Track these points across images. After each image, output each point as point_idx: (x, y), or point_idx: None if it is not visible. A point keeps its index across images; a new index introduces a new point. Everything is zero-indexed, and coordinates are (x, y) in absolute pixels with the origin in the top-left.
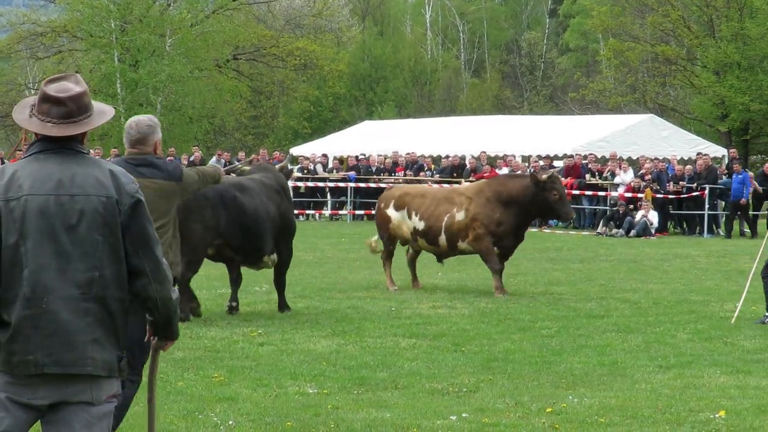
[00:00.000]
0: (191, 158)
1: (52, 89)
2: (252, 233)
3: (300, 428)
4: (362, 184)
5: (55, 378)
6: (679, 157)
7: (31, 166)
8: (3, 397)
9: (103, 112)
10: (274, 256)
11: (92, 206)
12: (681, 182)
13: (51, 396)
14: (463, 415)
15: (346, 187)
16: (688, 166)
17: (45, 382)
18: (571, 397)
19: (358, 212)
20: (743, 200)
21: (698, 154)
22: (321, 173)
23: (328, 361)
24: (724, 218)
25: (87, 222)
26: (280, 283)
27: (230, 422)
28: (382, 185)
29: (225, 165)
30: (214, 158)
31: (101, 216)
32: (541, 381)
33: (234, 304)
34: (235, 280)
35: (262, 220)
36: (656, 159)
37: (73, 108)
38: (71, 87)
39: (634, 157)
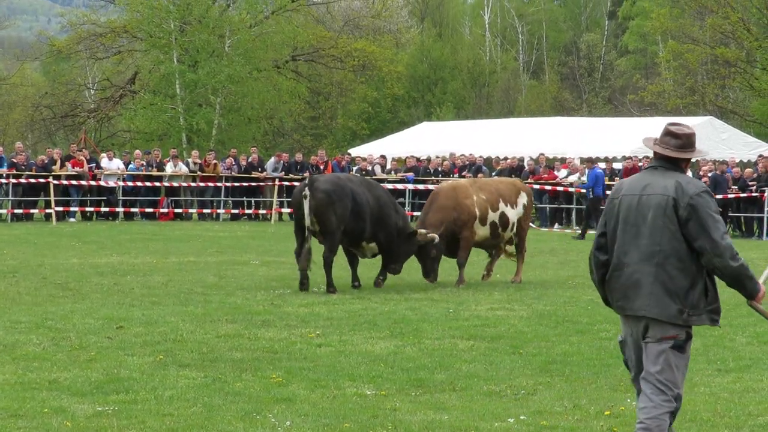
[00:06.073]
0: (249, 159)
1: (673, 128)
2: (358, 217)
3: (358, 430)
4: (421, 186)
5: (630, 318)
6: (738, 160)
7: (635, 177)
8: (624, 333)
9: (700, 151)
10: (373, 245)
11: (657, 202)
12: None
13: (627, 332)
14: (521, 417)
15: (405, 189)
16: (748, 169)
17: (626, 321)
18: (629, 400)
19: (416, 213)
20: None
21: (760, 156)
22: (379, 174)
23: (386, 363)
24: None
25: (654, 213)
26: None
27: (288, 423)
28: None
29: (283, 167)
30: (272, 159)
31: (662, 209)
32: (600, 384)
33: (356, 283)
34: (352, 262)
35: (365, 206)
36: (715, 161)
37: (685, 142)
38: (686, 129)
39: (693, 161)
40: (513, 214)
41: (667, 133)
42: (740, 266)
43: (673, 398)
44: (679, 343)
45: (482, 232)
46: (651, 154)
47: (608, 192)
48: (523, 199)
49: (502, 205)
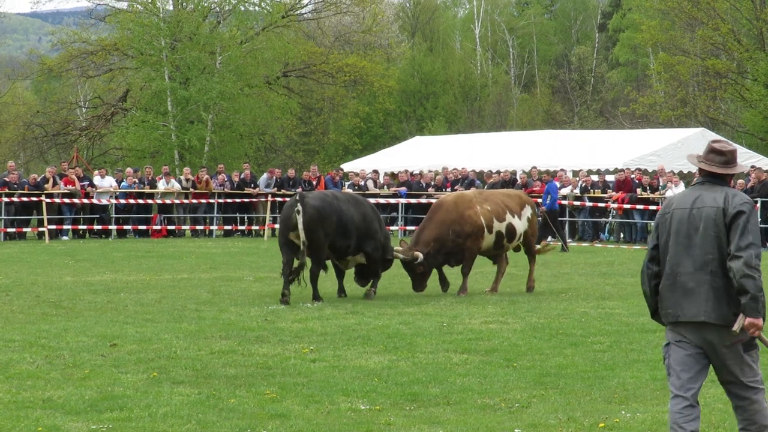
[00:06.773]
0: (241, 175)
1: (717, 145)
2: (344, 234)
3: None
4: (413, 200)
5: (687, 324)
6: None
7: (685, 192)
8: (670, 339)
9: (742, 165)
10: (359, 257)
11: (707, 214)
12: None
13: (689, 336)
14: (516, 430)
15: (397, 203)
16: (740, 180)
17: (683, 327)
18: (623, 412)
19: (409, 228)
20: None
21: (752, 167)
22: (372, 189)
23: (380, 377)
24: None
25: (705, 224)
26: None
27: None
28: (433, 201)
29: (276, 183)
30: (265, 175)
31: (713, 220)
32: (594, 396)
33: (342, 294)
34: (339, 274)
35: (350, 224)
36: None
37: (730, 158)
38: (729, 146)
39: (685, 171)
40: (520, 225)
41: (712, 150)
42: (751, 278)
43: (761, 383)
44: (748, 342)
45: (487, 240)
46: (644, 166)
47: (563, 203)
48: (527, 211)
49: (509, 216)
